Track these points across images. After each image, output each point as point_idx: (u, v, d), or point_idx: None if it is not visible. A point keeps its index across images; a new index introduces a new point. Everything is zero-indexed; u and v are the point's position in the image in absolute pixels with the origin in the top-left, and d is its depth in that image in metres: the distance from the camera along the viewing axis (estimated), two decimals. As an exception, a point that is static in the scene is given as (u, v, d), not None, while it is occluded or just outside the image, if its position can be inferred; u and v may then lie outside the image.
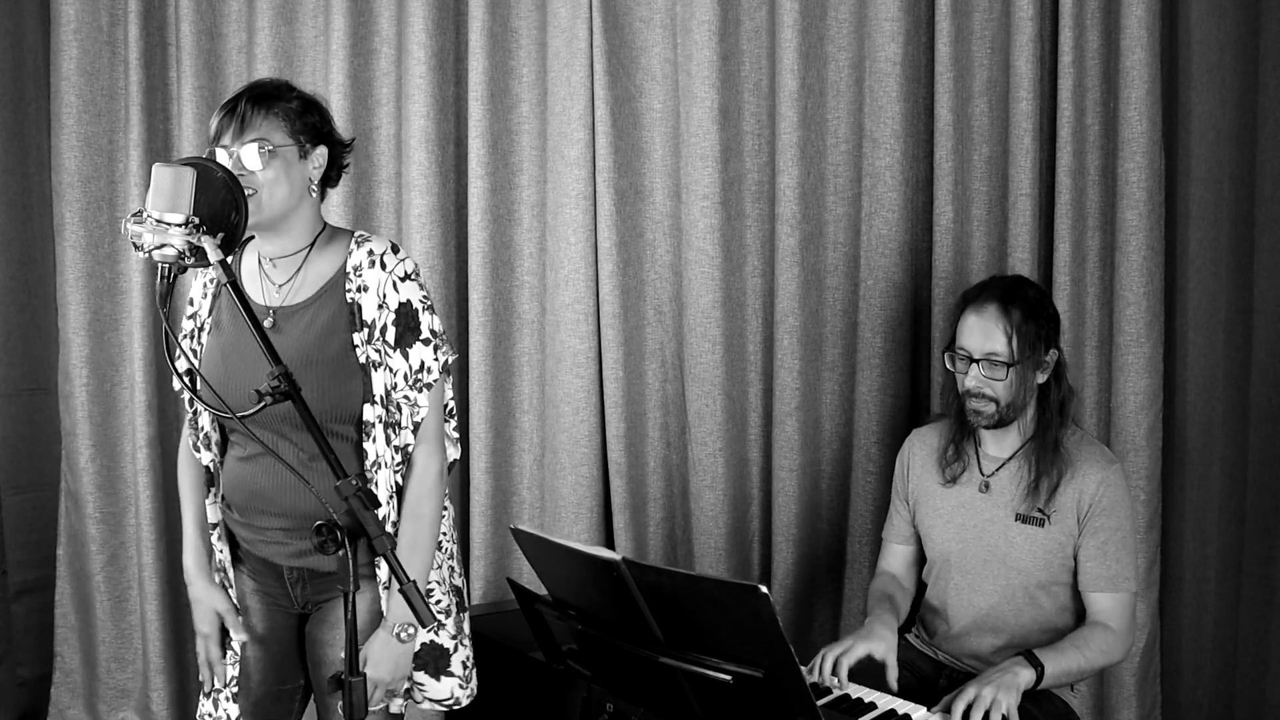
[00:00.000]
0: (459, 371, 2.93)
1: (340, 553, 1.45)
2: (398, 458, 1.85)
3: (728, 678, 1.55)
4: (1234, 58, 2.63)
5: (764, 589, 1.48)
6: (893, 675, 2.05)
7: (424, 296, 1.86)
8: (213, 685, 1.98)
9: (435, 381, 1.86)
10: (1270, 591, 2.63)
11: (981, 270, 2.66)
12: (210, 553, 1.97)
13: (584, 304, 2.80)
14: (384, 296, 1.82)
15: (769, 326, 2.84)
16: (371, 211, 2.93)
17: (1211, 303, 2.68)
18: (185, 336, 1.94)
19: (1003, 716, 1.89)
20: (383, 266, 1.83)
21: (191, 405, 1.93)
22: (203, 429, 1.92)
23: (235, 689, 1.97)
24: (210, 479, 1.93)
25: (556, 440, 2.86)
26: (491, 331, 2.87)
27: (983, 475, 2.22)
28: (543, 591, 1.88)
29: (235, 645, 1.96)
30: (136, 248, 1.50)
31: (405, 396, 1.84)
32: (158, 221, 1.48)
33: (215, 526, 1.95)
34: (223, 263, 1.52)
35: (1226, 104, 2.64)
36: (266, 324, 1.82)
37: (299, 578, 1.91)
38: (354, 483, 1.46)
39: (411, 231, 2.83)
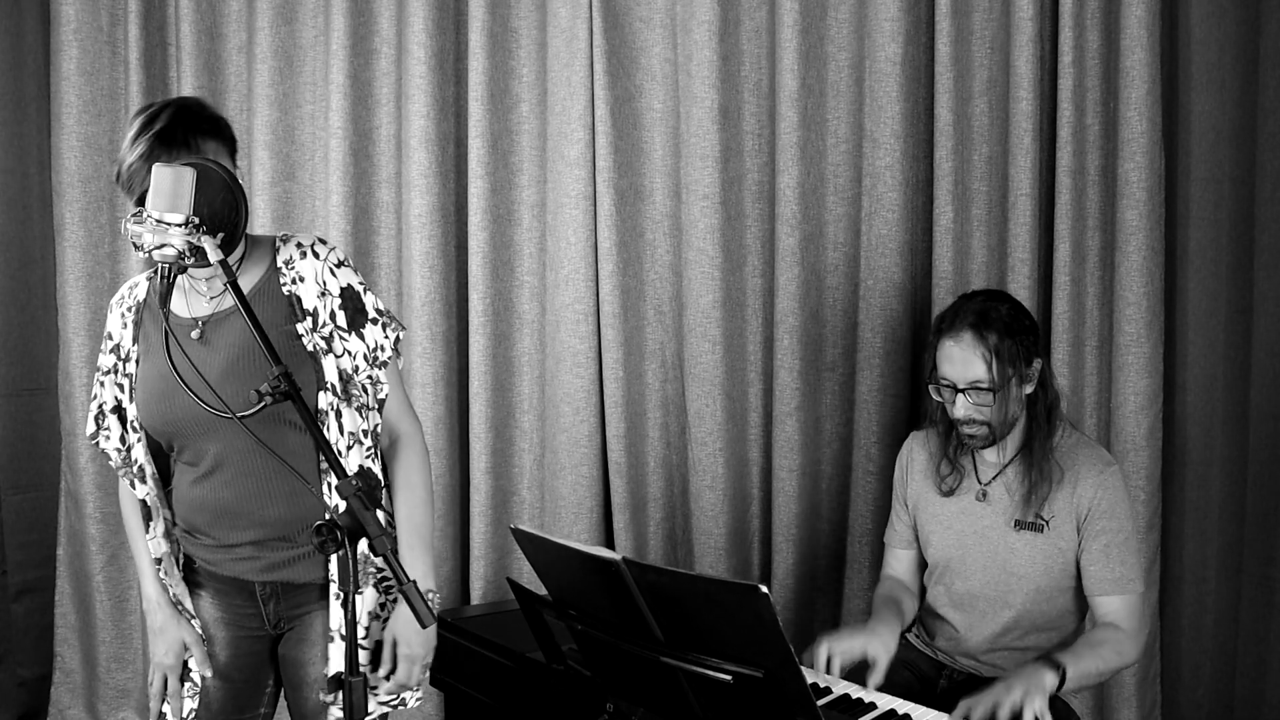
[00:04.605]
0: (459, 371, 2.94)
1: (340, 553, 1.45)
2: (366, 441, 1.84)
3: (728, 678, 1.55)
4: (1234, 58, 2.63)
5: (764, 589, 1.48)
6: (875, 680, 2.02)
7: (360, 280, 1.87)
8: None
9: (390, 359, 1.87)
10: (1270, 592, 2.62)
11: (981, 270, 2.66)
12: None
13: (584, 304, 2.80)
14: (324, 284, 1.82)
15: (769, 326, 2.84)
16: (371, 211, 2.93)
17: (1211, 303, 2.68)
18: (109, 372, 1.88)
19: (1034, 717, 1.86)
20: (315, 256, 1.83)
21: (124, 443, 1.87)
22: (136, 462, 1.85)
23: None
24: (147, 514, 1.87)
25: (556, 440, 2.86)
26: (491, 331, 2.87)
27: (980, 484, 2.22)
28: (543, 591, 1.88)
29: (195, 677, 1.89)
30: (136, 248, 1.50)
31: (369, 376, 1.84)
32: (158, 221, 1.49)
33: (159, 561, 1.87)
34: (223, 263, 1.52)
35: (1226, 104, 2.64)
36: (194, 335, 1.78)
37: (272, 593, 1.86)
38: (354, 483, 1.46)
39: (411, 231, 2.83)
